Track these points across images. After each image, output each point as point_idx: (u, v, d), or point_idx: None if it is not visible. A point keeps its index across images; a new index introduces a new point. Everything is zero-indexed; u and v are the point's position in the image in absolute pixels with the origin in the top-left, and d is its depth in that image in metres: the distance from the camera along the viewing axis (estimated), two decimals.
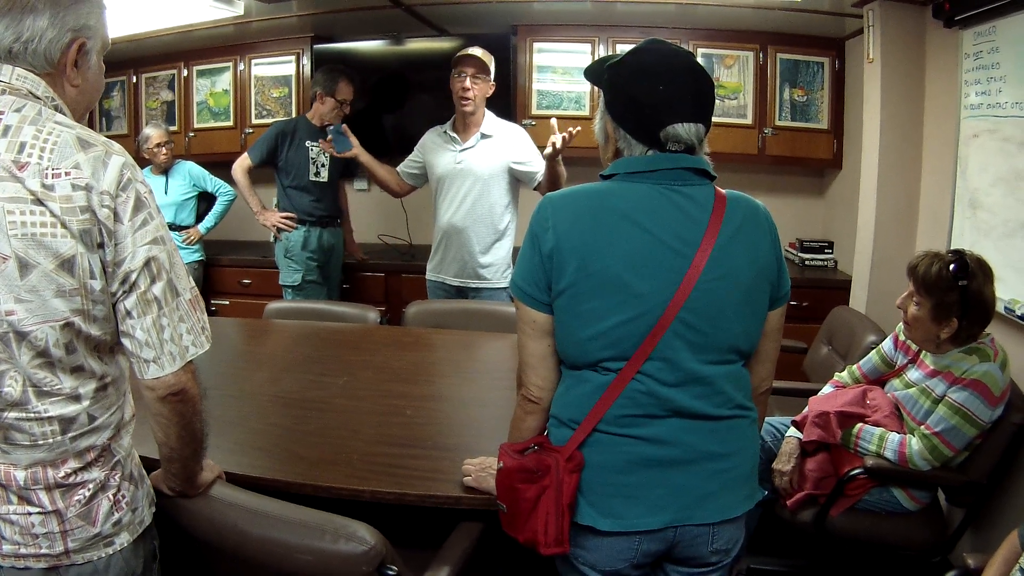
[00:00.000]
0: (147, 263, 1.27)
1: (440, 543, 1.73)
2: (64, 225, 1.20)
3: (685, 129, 1.43)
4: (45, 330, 1.22)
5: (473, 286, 3.59)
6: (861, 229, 3.76)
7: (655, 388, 1.45)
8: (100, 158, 1.23)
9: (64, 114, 1.30)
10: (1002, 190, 2.78)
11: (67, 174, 1.20)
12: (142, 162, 4.42)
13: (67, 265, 1.21)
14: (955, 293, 2.22)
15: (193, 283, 1.38)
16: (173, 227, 4.37)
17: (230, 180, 4.20)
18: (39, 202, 1.19)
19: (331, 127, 3.60)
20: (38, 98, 1.26)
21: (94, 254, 1.23)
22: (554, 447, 1.51)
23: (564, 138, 3.05)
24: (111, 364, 1.35)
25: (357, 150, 3.60)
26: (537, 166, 3.41)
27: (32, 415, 1.26)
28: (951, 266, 2.24)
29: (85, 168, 1.21)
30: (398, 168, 3.69)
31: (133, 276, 1.27)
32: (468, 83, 3.37)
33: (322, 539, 1.45)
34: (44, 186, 1.19)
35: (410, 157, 3.67)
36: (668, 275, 1.42)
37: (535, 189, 3.46)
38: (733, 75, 4.32)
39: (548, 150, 3.12)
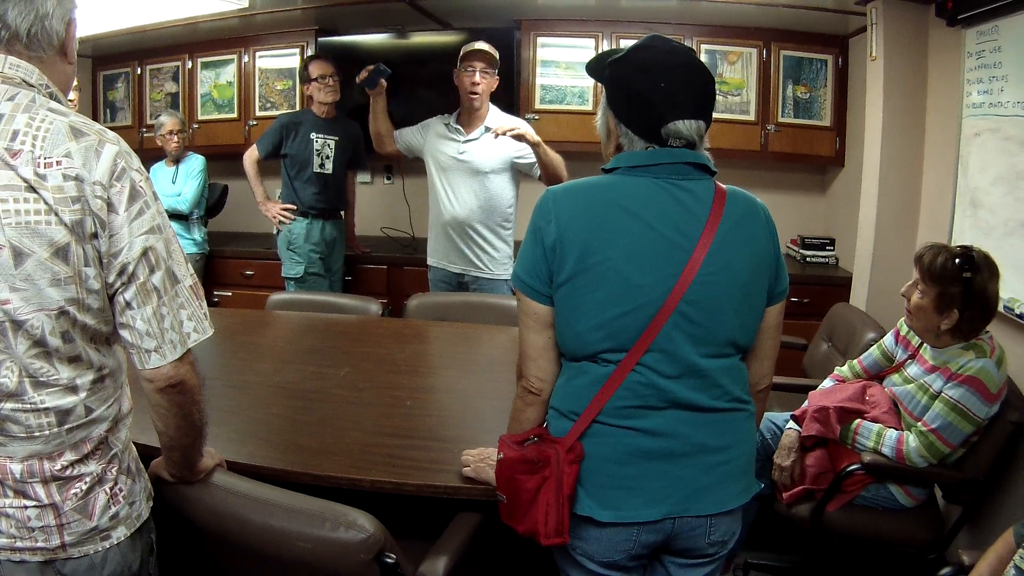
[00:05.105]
0: (145, 253, 1.26)
1: (438, 533, 1.74)
2: (56, 215, 1.18)
3: (686, 126, 1.45)
4: (40, 318, 1.21)
5: (474, 275, 3.61)
6: (862, 227, 3.76)
7: (655, 380, 1.46)
8: (93, 147, 1.21)
9: (59, 100, 1.28)
10: (1003, 189, 2.78)
11: (58, 163, 1.18)
12: (156, 152, 4.44)
13: (62, 253, 1.20)
14: (959, 285, 2.23)
15: (192, 269, 1.37)
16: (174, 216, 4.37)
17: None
18: (32, 190, 1.17)
19: (382, 65, 3.51)
20: (32, 86, 1.24)
21: (87, 244, 1.22)
22: (554, 438, 1.52)
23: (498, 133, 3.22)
24: (109, 356, 1.34)
25: (381, 91, 3.55)
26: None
27: (28, 406, 1.24)
28: (957, 259, 2.24)
29: (76, 158, 1.20)
30: (396, 131, 3.71)
31: (131, 267, 1.25)
32: (478, 77, 3.40)
33: (322, 527, 1.46)
34: (37, 175, 1.17)
35: (412, 129, 3.68)
36: (667, 268, 1.43)
37: (539, 179, 3.46)
38: (736, 71, 4.33)
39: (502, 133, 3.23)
